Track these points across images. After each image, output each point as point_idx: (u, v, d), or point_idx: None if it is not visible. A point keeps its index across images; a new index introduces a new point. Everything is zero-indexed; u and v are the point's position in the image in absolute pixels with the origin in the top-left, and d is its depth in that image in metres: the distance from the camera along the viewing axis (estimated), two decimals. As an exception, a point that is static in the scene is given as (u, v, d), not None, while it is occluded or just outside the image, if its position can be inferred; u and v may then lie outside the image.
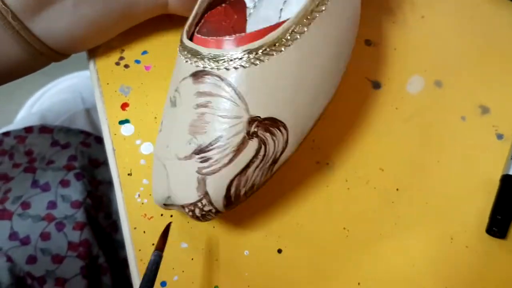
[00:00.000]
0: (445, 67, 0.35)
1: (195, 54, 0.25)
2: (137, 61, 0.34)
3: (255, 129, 0.25)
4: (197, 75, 0.25)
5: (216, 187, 0.25)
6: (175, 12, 0.33)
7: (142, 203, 0.31)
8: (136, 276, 0.29)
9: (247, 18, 0.31)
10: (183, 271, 0.29)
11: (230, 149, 0.25)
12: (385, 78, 0.35)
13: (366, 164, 0.32)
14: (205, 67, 0.25)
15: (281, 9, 0.31)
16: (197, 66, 0.25)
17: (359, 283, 0.30)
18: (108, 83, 0.33)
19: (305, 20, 0.26)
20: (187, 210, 0.26)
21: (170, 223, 0.28)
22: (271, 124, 0.25)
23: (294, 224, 0.31)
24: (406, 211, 0.31)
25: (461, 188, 0.32)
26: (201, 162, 0.25)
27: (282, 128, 0.26)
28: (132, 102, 0.33)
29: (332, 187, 0.32)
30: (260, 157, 0.25)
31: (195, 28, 0.28)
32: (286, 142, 0.26)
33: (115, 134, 0.32)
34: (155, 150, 0.27)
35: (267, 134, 0.25)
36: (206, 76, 0.25)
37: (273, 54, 0.25)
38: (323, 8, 0.26)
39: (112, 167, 0.31)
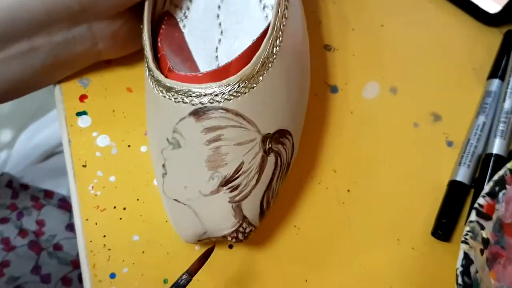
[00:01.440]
0: (401, 74, 0.37)
1: (186, 93, 0.25)
2: (98, 54, 0.34)
3: (269, 145, 0.27)
4: (199, 113, 0.25)
5: (251, 208, 0.27)
6: (109, 57, 0.32)
7: (95, 195, 0.31)
8: (86, 266, 0.29)
9: (183, 30, 0.31)
10: (133, 263, 0.29)
11: (254, 171, 0.26)
12: (342, 83, 0.36)
13: (319, 165, 0.33)
14: (204, 103, 0.25)
15: (217, 15, 0.32)
16: (194, 104, 0.25)
17: (306, 280, 0.30)
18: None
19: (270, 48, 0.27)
20: (229, 238, 0.27)
21: (213, 247, 0.27)
22: (280, 135, 0.27)
23: (246, 220, 0.31)
24: (356, 212, 0.32)
25: (410, 192, 0.33)
26: (230, 191, 0.26)
27: (288, 136, 0.28)
28: (91, 95, 0.33)
29: (285, 186, 0.32)
30: (278, 168, 0.28)
31: (158, 63, 0.28)
32: (293, 146, 0.29)
33: (71, 125, 0.32)
34: (168, 193, 0.27)
35: (279, 146, 0.27)
36: (210, 112, 0.25)
37: (264, 74, 0.26)
38: (280, 43, 0.27)
39: (67, 158, 0.31)
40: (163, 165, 0.27)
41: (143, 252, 0.30)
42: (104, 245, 0.30)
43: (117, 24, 0.30)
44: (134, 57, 0.34)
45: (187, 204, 0.26)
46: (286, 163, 0.28)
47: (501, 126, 0.33)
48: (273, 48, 0.27)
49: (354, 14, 0.38)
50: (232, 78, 0.25)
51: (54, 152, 0.64)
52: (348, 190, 0.33)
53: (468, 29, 0.39)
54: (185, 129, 0.26)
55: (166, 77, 0.27)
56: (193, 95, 0.25)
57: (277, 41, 0.27)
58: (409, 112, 0.36)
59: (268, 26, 0.28)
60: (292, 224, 0.32)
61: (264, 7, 0.31)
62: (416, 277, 0.31)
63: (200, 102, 0.25)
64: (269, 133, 0.27)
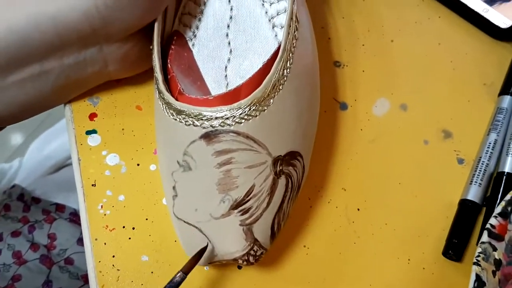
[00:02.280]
0: (411, 91, 0.36)
1: (197, 116, 0.25)
2: (108, 72, 0.34)
3: (280, 167, 0.27)
4: (210, 136, 0.25)
5: (262, 231, 0.27)
6: (119, 78, 0.32)
7: (105, 215, 0.31)
8: (95, 287, 0.29)
9: (192, 49, 0.31)
10: (142, 284, 0.29)
11: (265, 193, 0.26)
12: (352, 100, 0.36)
13: (329, 183, 0.33)
14: (215, 127, 0.25)
15: (226, 34, 0.32)
16: (205, 127, 0.25)
17: (316, 301, 0.30)
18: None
19: (280, 71, 0.27)
20: (240, 261, 0.27)
21: (207, 246, 0.27)
22: (291, 157, 0.27)
23: (255, 240, 0.31)
24: (366, 231, 0.32)
25: (420, 210, 0.33)
26: (241, 214, 0.26)
27: (299, 157, 0.28)
28: (100, 113, 0.33)
29: (295, 205, 0.32)
30: (289, 190, 0.28)
31: (168, 85, 0.28)
32: (303, 167, 0.29)
33: (81, 144, 0.32)
34: (178, 215, 0.27)
35: (290, 168, 0.27)
36: (221, 135, 0.25)
37: (276, 95, 0.26)
38: (290, 65, 0.27)
39: (77, 177, 0.31)
40: (174, 187, 0.27)
41: (152, 272, 0.30)
42: (113, 265, 0.30)
43: (128, 46, 0.30)
44: (144, 75, 0.34)
45: (197, 226, 0.26)
46: (297, 184, 0.28)
47: (513, 145, 0.33)
48: (283, 70, 0.27)
49: (364, 30, 0.38)
50: (243, 101, 0.25)
51: (64, 164, 0.64)
52: (358, 209, 0.33)
53: (479, 44, 0.38)
54: (196, 152, 0.26)
55: (176, 99, 0.27)
56: (204, 118, 0.25)
57: (288, 63, 0.27)
58: (420, 129, 0.35)
59: (278, 47, 0.27)
60: (301, 244, 0.31)
61: (273, 26, 0.31)
62: (427, 298, 0.31)
63: (211, 125, 0.25)
64: (280, 156, 0.27)
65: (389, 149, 0.34)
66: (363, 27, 0.38)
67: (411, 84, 0.37)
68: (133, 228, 0.31)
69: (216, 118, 0.25)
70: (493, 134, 0.34)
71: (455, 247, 0.31)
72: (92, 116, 0.33)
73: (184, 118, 0.26)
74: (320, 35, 0.37)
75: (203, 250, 0.26)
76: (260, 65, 0.28)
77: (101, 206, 0.31)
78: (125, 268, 0.30)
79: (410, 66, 0.37)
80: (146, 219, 0.31)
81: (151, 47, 0.29)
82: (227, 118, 0.25)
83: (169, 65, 0.29)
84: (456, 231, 0.31)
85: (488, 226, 0.30)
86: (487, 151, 0.33)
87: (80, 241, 0.54)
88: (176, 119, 0.26)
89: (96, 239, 0.30)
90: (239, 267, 0.30)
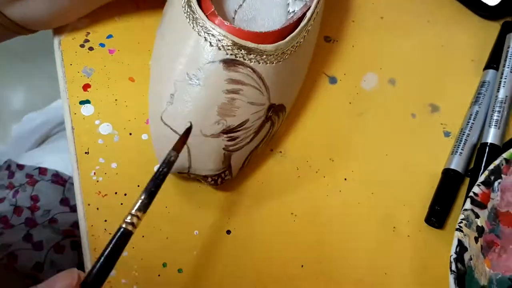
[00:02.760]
0: (400, 66, 0.37)
1: (226, 42, 0.27)
2: (102, 45, 0.35)
3: (270, 114, 0.30)
4: (229, 63, 0.27)
5: (237, 161, 0.30)
6: None
7: (97, 181, 0.31)
8: (87, 249, 0.30)
9: None
10: (133, 247, 0.30)
11: (253, 130, 0.29)
12: (341, 74, 0.36)
13: (317, 154, 0.34)
14: (237, 56, 0.27)
15: None
16: (228, 54, 0.27)
17: (302, 265, 0.31)
18: (71, 64, 0.34)
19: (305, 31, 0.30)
20: (209, 179, 0.30)
21: (191, 126, 0.27)
22: (279, 109, 0.30)
23: (244, 206, 0.32)
24: (353, 199, 0.33)
25: (407, 181, 0.34)
26: (228, 140, 0.28)
27: (284, 111, 0.31)
28: (94, 84, 0.34)
29: (283, 174, 0.33)
30: (268, 134, 0.31)
31: (199, 3, 0.29)
32: (283, 120, 0.32)
33: (75, 114, 0.33)
34: (166, 120, 0.28)
35: (276, 117, 0.30)
36: (240, 66, 0.27)
37: (290, 53, 0.29)
38: (309, 28, 0.30)
39: (70, 145, 0.32)
40: (172, 95, 0.28)
41: (143, 236, 0.30)
42: (105, 229, 0.30)
43: None
44: (137, 47, 0.35)
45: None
46: (273, 133, 0.31)
47: (495, 116, 0.33)
48: (304, 33, 0.29)
49: (355, 6, 0.39)
50: (269, 46, 0.27)
51: (49, 135, 0.65)
52: (345, 179, 0.33)
53: (468, 22, 0.39)
54: (211, 71, 0.27)
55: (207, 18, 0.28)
56: (231, 45, 0.27)
57: (308, 29, 0.30)
58: (407, 103, 0.36)
59: (304, 11, 0.30)
60: (289, 211, 0.32)
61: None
62: (411, 264, 0.32)
63: (235, 54, 0.27)
64: (274, 104, 0.29)
65: (377, 122, 0.35)
66: (353, 3, 0.39)
67: (400, 60, 0.37)
68: (125, 194, 0.31)
69: (242, 49, 0.27)
70: (476, 106, 0.35)
71: (437, 214, 0.32)
72: (86, 86, 0.34)
73: (211, 38, 0.27)
74: (311, 11, 0.38)
75: (189, 129, 0.27)
76: (265, 25, 0.33)
77: (94, 173, 0.32)
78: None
79: (399, 42, 0.38)
80: (138, 186, 0.32)
81: None
82: (250, 54, 0.27)
83: None
84: (438, 199, 0.32)
85: (471, 194, 0.31)
86: (469, 122, 0.34)
87: (62, 201, 0.54)
88: (201, 36, 0.27)
89: (88, 204, 0.31)
90: (228, 232, 0.31)
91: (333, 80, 0.36)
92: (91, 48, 0.35)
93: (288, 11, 0.34)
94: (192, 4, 0.28)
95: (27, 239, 0.50)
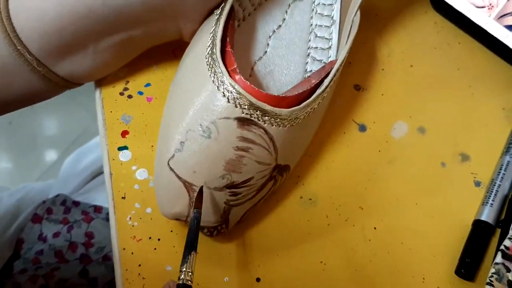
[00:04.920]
0: (430, 114, 0.37)
1: (244, 100, 0.27)
2: (140, 93, 0.37)
3: (275, 173, 0.30)
4: (244, 122, 0.28)
5: (236, 216, 0.30)
6: (188, 40, 0.35)
7: (133, 226, 0.33)
8: (121, 294, 0.31)
9: (236, 28, 0.34)
10: (165, 293, 0.31)
11: (256, 187, 0.30)
12: (371, 122, 0.37)
13: (347, 202, 0.34)
14: (252, 116, 0.28)
15: (269, 36, 0.36)
16: (244, 113, 0.28)
17: (331, 316, 0.31)
18: (111, 111, 0.36)
19: (319, 100, 0.30)
20: (206, 230, 0.31)
21: (202, 187, 0.29)
22: (284, 169, 0.31)
23: (274, 254, 0.32)
24: (382, 249, 0.33)
25: (437, 231, 0.34)
26: (230, 195, 0.29)
27: (288, 171, 0.32)
28: (132, 130, 0.35)
29: (313, 222, 0.34)
30: (269, 193, 0.31)
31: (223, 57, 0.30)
32: (285, 179, 0.32)
33: (113, 159, 0.34)
34: (173, 167, 0.29)
35: (279, 176, 0.31)
36: (254, 126, 0.28)
37: (303, 118, 0.29)
38: (325, 95, 0.31)
39: (108, 190, 0.34)
40: (182, 143, 0.29)
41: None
42: (139, 274, 0.31)
43: (200, 24, 0.33)
44: (173, 95, 0.36)
45: (187, 185, 0.29)
46: (273, 191, 0.32)
47: (527, 168, 0.33)
48: (320, 100, 0.30)
49: (384, 54, 0.39)
50: (285, 111, 0.28)
51: (100, 171, 0.67)
52: (375, 228, 0.34)
53: (498, 70, 0.39)
54: (224, 127, 0.28)
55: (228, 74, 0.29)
56: (248, 105, 0.27)
57: (323, 95, 0.30)
58: (437, 151, 0.36)
59: (326, 72, 0.31)
60: (318, 260, 0.33)
61: (308, 55, 0.35)
62: (441, 316, 0.32)
63: (250, 114, 0.28)
64: (280, 164, 0.30)
65: (407, 171, 0.36)
66: (383, 52, 0.39)
67: (430, 108, 0.38)
68: (159, 239, 0.32)
69: (258, 110, 0.27)
70: (507, 156, 0.35)
71: (467, 266, 0.31)
72: (124, 133, 0.35)
73: (229, 95, 0.28)
74: (341, 59, 0.39)
75: (200, 190, 0.29)
76: (282, 80, 0.34)
77: (130, 218, 0.33)
78: (150, 277, 0.31)
79: (429, 90, 0.38)
80: (171, 231, 0.33)
81: (216, 11, 0.31)
82: (265, 116, 0.28)
83: (228, 38, 0.30)
84: (469, 251, 0.32)
85: (502, 247, 0.31)
86: (499, 172, 0.34)
87: None
88: (220, 90, 0.28)
89: (124, 249, 0.32)
90: (258, 280, 0.32)
91: (362, 128, 0.37)
92: (130, 96, 0.36)
93: (306, 70, 0.35)
94: (215, 57, 0.29)
95: (83, 274, 0.52)
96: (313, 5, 0.37)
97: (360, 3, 0.32)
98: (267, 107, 0.28)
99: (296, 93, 0.29)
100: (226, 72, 0.28)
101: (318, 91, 0.30)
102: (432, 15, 0.41)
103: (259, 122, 0.28)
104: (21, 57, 0.30)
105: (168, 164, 0.29)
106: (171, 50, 0.37)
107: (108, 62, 0.34)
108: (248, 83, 0.28)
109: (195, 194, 0.29)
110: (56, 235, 0.55)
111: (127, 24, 0.31)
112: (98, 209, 0.58)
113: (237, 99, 0.27)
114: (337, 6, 0.36)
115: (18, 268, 0.52)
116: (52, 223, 0.56)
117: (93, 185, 0.63)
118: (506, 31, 0.39)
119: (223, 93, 0.28)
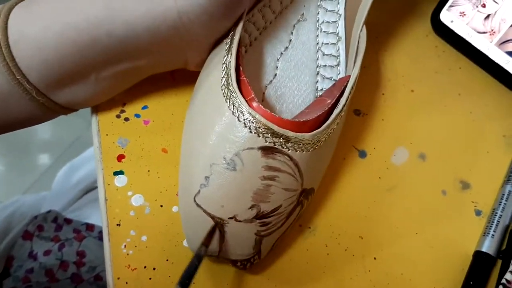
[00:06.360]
0: (430, 141, 0.37)
1: (266, 129, 0.27)
2: (137, 115, 0.36)
3: (301, 198, 0.30)
4: (267, 151, 0.27)
5: (267, 245, 0.30)
6: (193, 69, 0.34)
7: (127, 254, 0.32)
8: (115, 326, 0.30)
9: (244, 54, 0.34)
10: (160, 325, 0.30)
11: (285, 215, 0.29)
12: (371, 148, 0.36)
13: (346, 231, 0.34)
14: (276, 144, 0.27)
15: (277, 59, 0.35)
16: (267, 142, 0.27)
17: None
18: (107, 134, 0.35)
19: (338, 120, 0.30)
20: (239, 263, 0.30)
21: (215, 225, 0.28)
22: (309, 192, 0.30)
23: (272, 285, 0.32)
24: (382, 280, 0.33)
25: (437, 262, 0.33)
26: (260, 226, 0.28)
27: (313, 193, 0.31)
28: (128, 154, 0.35)
29: (312, 251, 0.33)
30: (297, 217, 0.31)
31: (239, 87, 0.30)
32: (310, 202, 0.32)
33: (108, 184, 0.34)
34: (200, 202, 0.28)
35: (305, 200, 0.30)
36: (278, 154, 0.27)
37: (325, 140, 0.29)
38: (342, 114, 0.31)
39: (103, 217, 0.33)
40: (207, 177, 0.28)
41: (171, 312, 0.31)
42: (134, 304, 0.31)
43: (207, 53, 0.33)
44: (170, 119, 0.35)
45: (217, 221, 0.28)
46: (301, 215, 0.31)
47: (529, 200, 0.33)
48: (338, 120, 0.30)
49: (385, 79, 0.39)
50: (307, 135, 0.28)
51: (93, 186, 0.66)
52: (374, 258, 0.33)
53: (499, 96, 0.39)
54: (248, 158, 0.27)
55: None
56: (270, 133, 0.27)
57: (341, 115, 0.30)
58: (438, 179, 0.36)
59: (338, 93, 0.31)
60: (317, 291, 0.32)
61: (317, 73, 0.35)
62: None
63: (273, 142, 0.27)
64: (306, 188, 0.29)
65: (407, 199, 0.35)
66: (383, 76, 0.39)
67: (430, 134, 0.37)
68: (154, 269, 0.32)
69: (280, 138, 0.27)
70: (508, 186, 0.34)
71: (469, 300, 0.31)
72: (120, 157, 0.34)
73: (250, 124, 0.27)
74: (342, 83, 0.38)
75: (214, 226, 0.28)
76: (294, 102, 0.34)
77: (125, 246, 0.32)
78: (149, 306, 0.31)
79: (429, 116, 0.38)
80: (167, 260, 0.32)
81: (225, 41, 0.31)
82: (288, 142, 0.27)
83: (241, 67, 0.30)
84: (470, 283, 0.32)
85: (503, 281, 0.30)
86: (501, 202, 0.34)
87: None
88: (241, 121, 0.27)
89: (118, 278, 0.31)
90: (255, 312, 0.31)
91: (362, 154, 0.36)
92: (126, 119, 0.36)
93: (317, 88, 0.35)
94: (232, 88, 0.28)
95: None
96: (317, 23, 0.36)
97: (365, 18, 0.32)
98: (290, 133, 0.27)
99: (316, 116, 0.29)
100: (245, 101, 0.28)
101: (336, 111, 0.30)
102: (433, 39, 0.40)
103: (283, 149, 0.27)
104: (20, 86, 0.29)
105: (195, 200, 0.28)
106: (169, 72, 0.37)
107: (108, 89, 0.33)
108: (268, 111, 0.28)
109: (225, 229, 0.28)
110: (47, 253, 0.54)
111: (132, 55, 0.30)
112: (90, 227, 0.57)
113: (259, 128, 0.27)
114: (341, 23, 0.36)
115: (7, 287, 0.51)
116: (43, 240, 0.55)
117: (86, 201, 0.63)
118: (508, 57, 0.39)
119: (244, 123, 0.27)
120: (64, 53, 0.29)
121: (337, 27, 0.36)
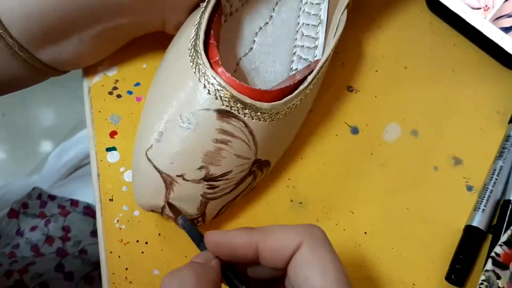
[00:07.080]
0: (423, 117, 0.37)
1: (224, 93, 0.27)
2: (130, 92, 0.36)
3: (254, 168, 0.30)
4: (223, 114, 0.27)
5: (213, 210, 0.30)
6: (171, 32, 0.34)
7: (120, 229, 0.32)
8: (108, 298, 0.31)
9: (223, 23, 0.34)
10: None
11: (234, 181, 0.29)
12: (363, 124, 0.36)
13: (337, 206, 0.34)
14: (232, 109, 0.27)
15: (256, 33, 0.35)
16: (224, 105, 0.27)
17: (319, 322, 0.31)
18: (100, 111, 0.35)
19: (303, 94, 0.30)
20: (181, 221, 0.29)
21: (169, 202, 0.29)
22: (264, 164, 0.31)
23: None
24: (372, 254, 0.33)
25: (427, 236, 0.34)
26: (208, 188, 0.29)
27: (268, 167, 0.32)
28: (121, 131, 0.35)
29: (303, 226, 0.33)
30: (248, 188, 0.31)
31: (206, 50, 0.30)
32: (266, 175, 0.32)
33: (101, 160, 0.34)
34: (151, 157, 0.29)
35: (259, 172, 0.31)
36: (233, 119, 0.28)
37: (285, 113, 0.29)
38: (308, 91, 0.30)
39: (95, 192, 0.33)
40: (161, 133, 0.28)
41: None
42: (126, 277, 0.31)
43: (185, 17, 0.33)
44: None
45: (164, 177, 0.28)
46: (253, 186, 0.32)
47: (520, 174, 0.33)
48: (302, 96, 0.30)
49: (378, 56, 0.39)
50: (265, 105, 0.28)
51: (80, 165, 0.67)
52: (365, 232, 0.33)
53: (493, 72, 0.39)
54: (203, 118, 0.28)
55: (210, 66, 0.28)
56: (228, 97, 0.27)
57: (306, 92, 0.30)
58: (430, 155, 0.36)
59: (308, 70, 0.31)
60: (307, 264, 0.32)
61: (294, 53, 0.35)
62: (430, 323, 0.31)
63: (230, 106, 0.27)
64: (260, 159, 0.30)
65: (399, 174, 0.35)
66: (377, 53, 0.39)
67: (423, 111, 0.37)
68: (146, 243, 0.32)
69: (239, 103, 0.27)
70: (500, 161, 0.34)
71: (458, 272, 0.31)
72: (113, 134, 0.35)
73: (210, 87, 0.27)
74: (335, 60, 0.38)
75: (170, 203, 0.29)
76: (267, 78, 0.34)
77: (117, 221, 0.32)
78: (137, 281, 0.31)
79: (422, 92, 0.38)
80: (159, 234, 0.32)
81: (201, 4, 0.31)
82: (245, 108, 0.27)
83: (212, 31, 0.30)
84: (460, 257, 0.32)
85: (492, 254, 0.30)
86: (492, 177, 0.34)
87: (93, 233, 0.56)
88: (201, 82, 0.28)
89: (111, 252, 0.32)
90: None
91: (355, 131, 0.36)
92: (119, 96, 0.36)
93: (291, 68, 0.35)
94: (198, 49, 0.28)
95: (58, 269, 0.51)
96: (301, 3, 0.36)
97: (348, 3, 0.32)
98: (248, 100, 0.27)
99: (278, 88, 0.29)
100: (208, 63, 0.28)
101: (301, 87, 0.30)
102: (427, 16, 0.40)
103: (239, 115, 0.28)
104: (1, 41, 0.29)
105: (146, 154, 0.29)
106: (162, 49, 0.37)
107: (92, 50, 0.33)
108: (230, 75, 0.28)
109: (173, 186, 0.28)
110: (33, 229, 0.55)
111: (113, 13, 0.31)
112: (74, 203, 0.58)
113: (218, 91, 0.27)
114: (324, 5, 0.36)
115: None
116: (29, 217, 0.56)
117: (71, 178, 0.63)
118: (502, 33, 0.38)
119: (204, 84, 0.28)
120: (47, 8, 0.29)
121: (320, 9, 0.36)
